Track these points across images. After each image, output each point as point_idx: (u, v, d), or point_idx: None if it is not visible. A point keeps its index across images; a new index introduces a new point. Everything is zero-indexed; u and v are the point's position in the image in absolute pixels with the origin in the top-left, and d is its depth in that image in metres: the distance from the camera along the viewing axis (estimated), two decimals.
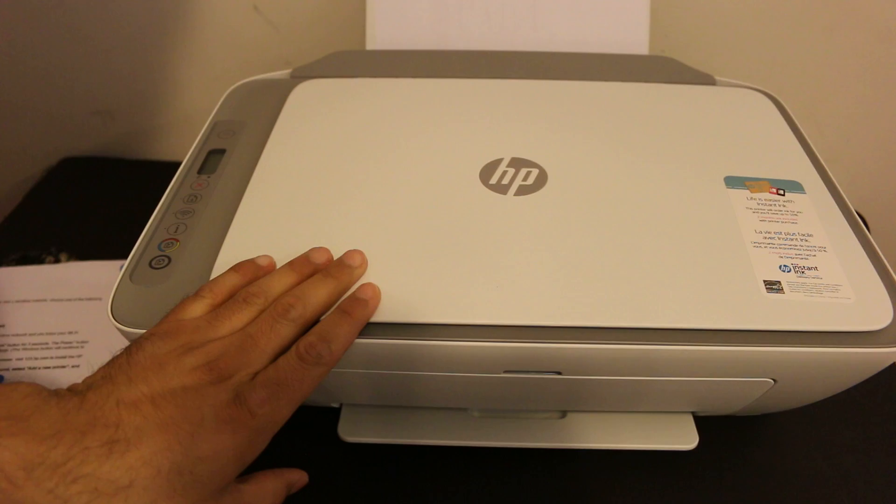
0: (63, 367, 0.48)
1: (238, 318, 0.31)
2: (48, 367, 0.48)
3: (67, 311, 0.52)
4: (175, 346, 0.29)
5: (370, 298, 0.32)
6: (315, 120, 0.45)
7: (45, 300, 0.53)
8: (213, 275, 0.34)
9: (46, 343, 0.50)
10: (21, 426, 0.24)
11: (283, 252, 0.35)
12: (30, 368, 0.48)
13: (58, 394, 0.26)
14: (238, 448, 0.27)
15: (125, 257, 0.36)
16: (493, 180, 0.39)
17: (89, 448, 0.24)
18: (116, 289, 0.35)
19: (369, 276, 0.34)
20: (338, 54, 0.53)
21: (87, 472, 0.24)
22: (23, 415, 0.24)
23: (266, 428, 0.28)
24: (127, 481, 0.24)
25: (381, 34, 0.54)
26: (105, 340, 0.50)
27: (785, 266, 0.35)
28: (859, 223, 0.38)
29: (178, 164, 0.43)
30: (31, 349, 0.49)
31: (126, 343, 0.30)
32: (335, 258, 0.34)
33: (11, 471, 0.23)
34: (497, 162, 0.41)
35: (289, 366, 0.29)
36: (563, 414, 0.43)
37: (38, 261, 0.57)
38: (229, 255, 0.35)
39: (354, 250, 0.34)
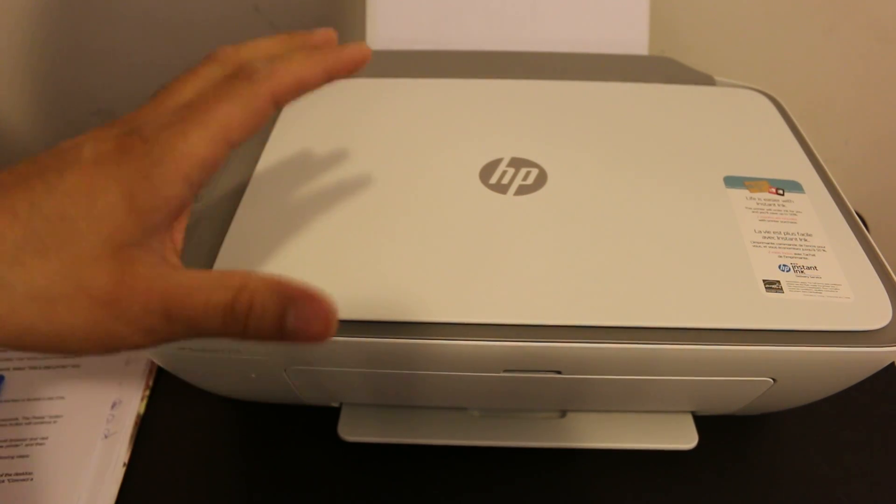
0: (63, 366, 0.48)
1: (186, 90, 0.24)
2: (48, 367, 0.48)
3: None
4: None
5: (353, 51, 0.24)
6: (314, 120, 0.45)
7: None
8: None
9: None
10: None
11: (282, 252, 0.35)
12: (30, 368, 0.48)
13: None
14: (126, 182, 0.20)
15: None
16: (493, 180, 0.39)
17: None
18: None
19: (368, 278, 0.34)
20: None
21: None
22: None
23: (166, 158, 0.21)
24: None
25: (381, 34, 0.54)
26: None
27: (784, 265, 0.35)
28: (858, 223, 0.38)
29: None
30: None
31: None
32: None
33: None
34: (497, 162, 0.41)
35: (207, 86, 0.23)
36: (563, 414, 0.43)
37: None
38: (228, 256, 0.35)
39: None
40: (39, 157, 0.21)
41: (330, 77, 0.25)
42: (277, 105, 0.23)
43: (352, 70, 0.25)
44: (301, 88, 0.24)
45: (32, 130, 0.74)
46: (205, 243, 0.36)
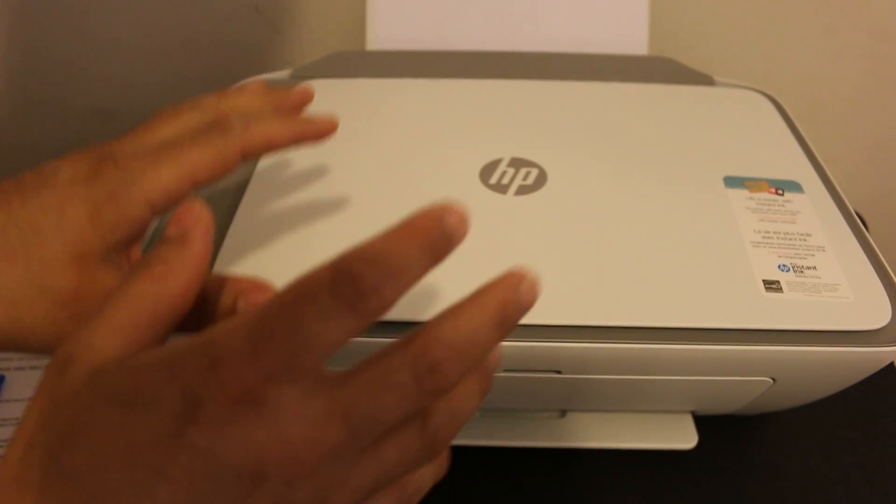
0: None
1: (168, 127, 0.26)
2: None
3: None
4: None
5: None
6: None
7: None
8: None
9: None
10: None
11: (281, 253, 0.35)
12: (31, 368, 0.48)
13: None
14: (94, 200, 0.22)
15: None
16: (493, 180, 0.39)
17: None
18: None
19: None
20: (338, 55, 0.53)
21: None
22: None
23: (135, 184, 0.23)
24: None
25: (382, 34, 0.54)
26: None
27: (784, 265, 0.35)
28: (858, 223, 0.38)
29: None
30: None
31: None
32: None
33: None
34: (497, 162, 0.41)
35: (186, 130, 0.26)
36: (563, 413, 0.43)
37: None
38: (228, 256, 0.35)
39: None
40: (23, 176, 0.23)
41: (297, 142, 0.27)
42: (245, 158, 0.25)
43: (318, 139, 0.28)
44: (269, 148, 0.26)
45: (33, 131, 0.74)
46: None
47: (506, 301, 0.19)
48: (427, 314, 0.33)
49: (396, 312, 0.32)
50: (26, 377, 0.47)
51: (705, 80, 0.51)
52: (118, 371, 0.18)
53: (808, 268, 0.35)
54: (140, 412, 0.16)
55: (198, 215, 0.21)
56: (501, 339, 0.19)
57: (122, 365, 0.18)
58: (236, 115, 0.26)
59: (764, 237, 0.36)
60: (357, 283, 0.17)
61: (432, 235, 0.19)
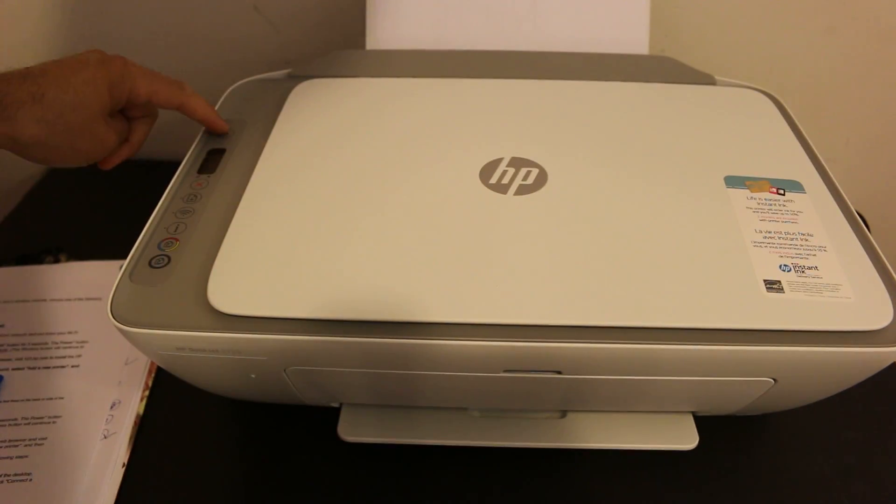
0: (63, 367, 0.48)
1: None
2: (48, 367, 0.48)
3: (67, 311, 0.52)
4: None
5: None
6: (315, 119, 0.45)
7: (44, 300, 0.53)
8: (213, 274, 0.34)
9: (46, 343, 0.50)
10: None
11: (282, 250, 0.35)
12: (29, 368, 0.48)
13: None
14: (110, 78, 0.39)
15: (125, 257, 0.36)
16: (493, 180, 0.39)
17: (10, 82, 0.37)
18: (116, 288, 0.35)
19: (369, 278, 0.34)
20: (337, 54, 0.53)
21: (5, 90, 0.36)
22: None
23: (133, 78, 0.40)
24: (40, 94, 0.37)
25: (381, 34, 0.54)
26: (105, 340, 0.50)
27: (785, 265, 0.35)
28: (859, 223, 0.38)
29: (178, 164, 0.43)
30: (31, 349, 0.49)
31: (126, 343, 0.29)
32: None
33: None
34: (497, 161, 0.41)
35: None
36: (563, 414, 0.43)
37: (38, 261, 0.57)
38: (229, 255, 0.35)
39: None
40: (63, 59, 0.39)
41: (209, 122, 0.45)
42: (179, 109, 0.43)
43: (216, 131, 0.46)
44: (195, 112, 0.44)
45: None
46: (208, 237, 0.37)
47: None
48: (428, 314, 0.33)
49: (396, 313, 0.33)
50: (26, 377, 0.47)
51: (706, 79, 0.51)
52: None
53: (810, 268, 0.35)
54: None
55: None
56: None
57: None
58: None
59: (765, 237, 0.36)
60: None
61: None
